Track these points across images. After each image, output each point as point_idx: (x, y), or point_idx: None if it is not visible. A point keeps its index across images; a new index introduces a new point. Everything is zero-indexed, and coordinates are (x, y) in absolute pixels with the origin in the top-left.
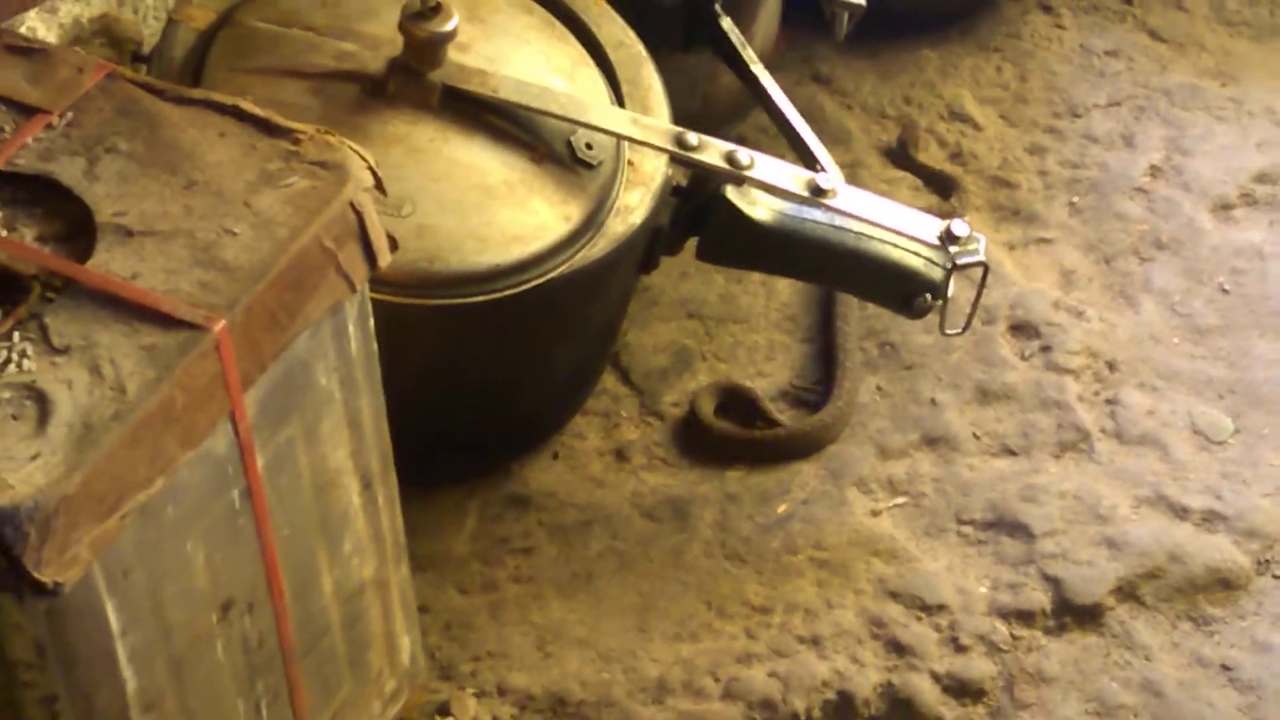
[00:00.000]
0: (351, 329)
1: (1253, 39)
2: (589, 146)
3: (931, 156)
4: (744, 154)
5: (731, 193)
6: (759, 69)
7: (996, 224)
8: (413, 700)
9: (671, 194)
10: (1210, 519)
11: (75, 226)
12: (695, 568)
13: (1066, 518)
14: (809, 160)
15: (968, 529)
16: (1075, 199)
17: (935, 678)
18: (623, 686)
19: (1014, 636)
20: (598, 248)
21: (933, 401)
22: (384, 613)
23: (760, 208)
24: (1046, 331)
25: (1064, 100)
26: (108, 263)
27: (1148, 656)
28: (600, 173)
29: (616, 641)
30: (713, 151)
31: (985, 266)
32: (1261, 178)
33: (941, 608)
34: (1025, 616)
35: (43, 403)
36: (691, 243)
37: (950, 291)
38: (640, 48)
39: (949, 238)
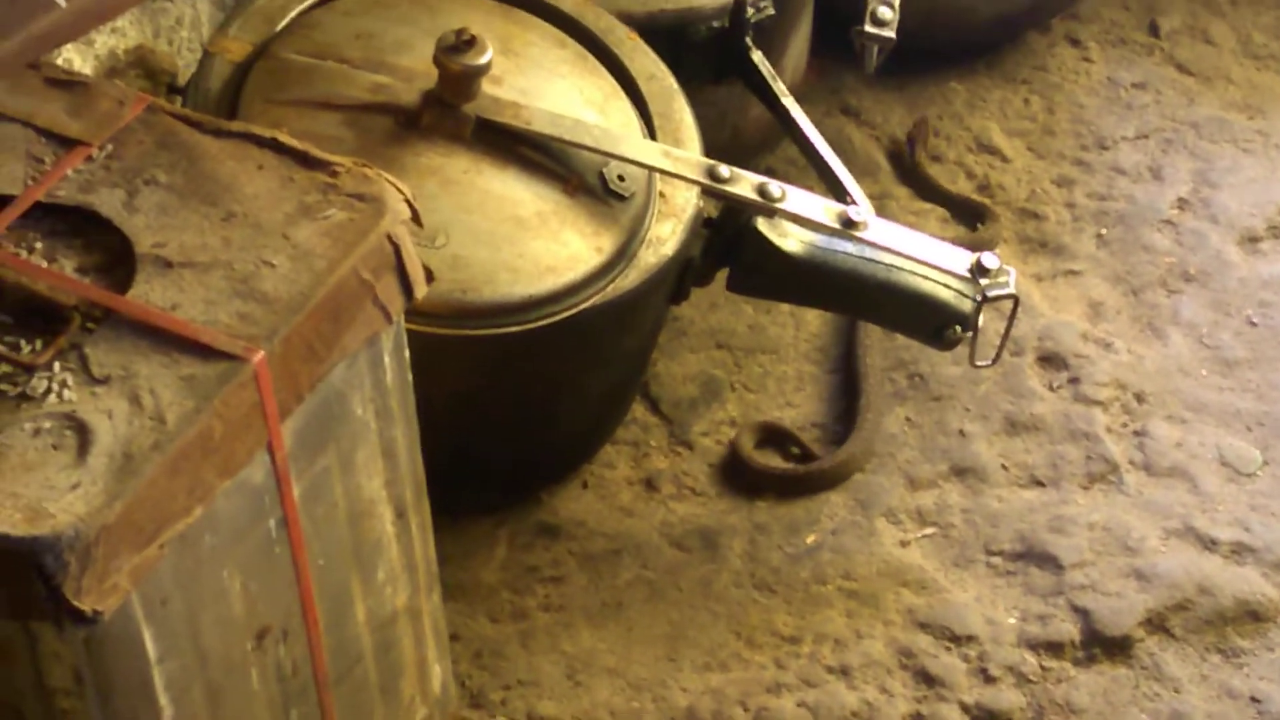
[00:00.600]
0: (387, 359)
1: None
2: (621, 178)
3: (958, 187)
4: (775, 186)
5: (762, 224)
6: (789, 101)
7: (1024, 256)
8: None
9: (703, 225)
10: (1239, 551)
11: (115, 257)
12: (724, 597)
13: (1095, 549)
14: (839, 192)
15: (996, 560)
16: (1103, 231)
17: (964, 708)
18: (652, 716)
19: (1043, 668)
20: (629, 279)
21: (961, 432)
22: (416, 641)
23: (791, 239)
24: (1075, 363)
25: (1091, 133)
26: (147, 294)
27: (1177, 688)
28: (632, 204)
29: (646, 671)
30: (744, 184)
31: (1015, 299)
32: None
33: (971, 638)
34: (1054, 648)
35: (83, 432)
36: (721, 274)
37: (980, 323)
38: (671, 80)
39: (979, 270)
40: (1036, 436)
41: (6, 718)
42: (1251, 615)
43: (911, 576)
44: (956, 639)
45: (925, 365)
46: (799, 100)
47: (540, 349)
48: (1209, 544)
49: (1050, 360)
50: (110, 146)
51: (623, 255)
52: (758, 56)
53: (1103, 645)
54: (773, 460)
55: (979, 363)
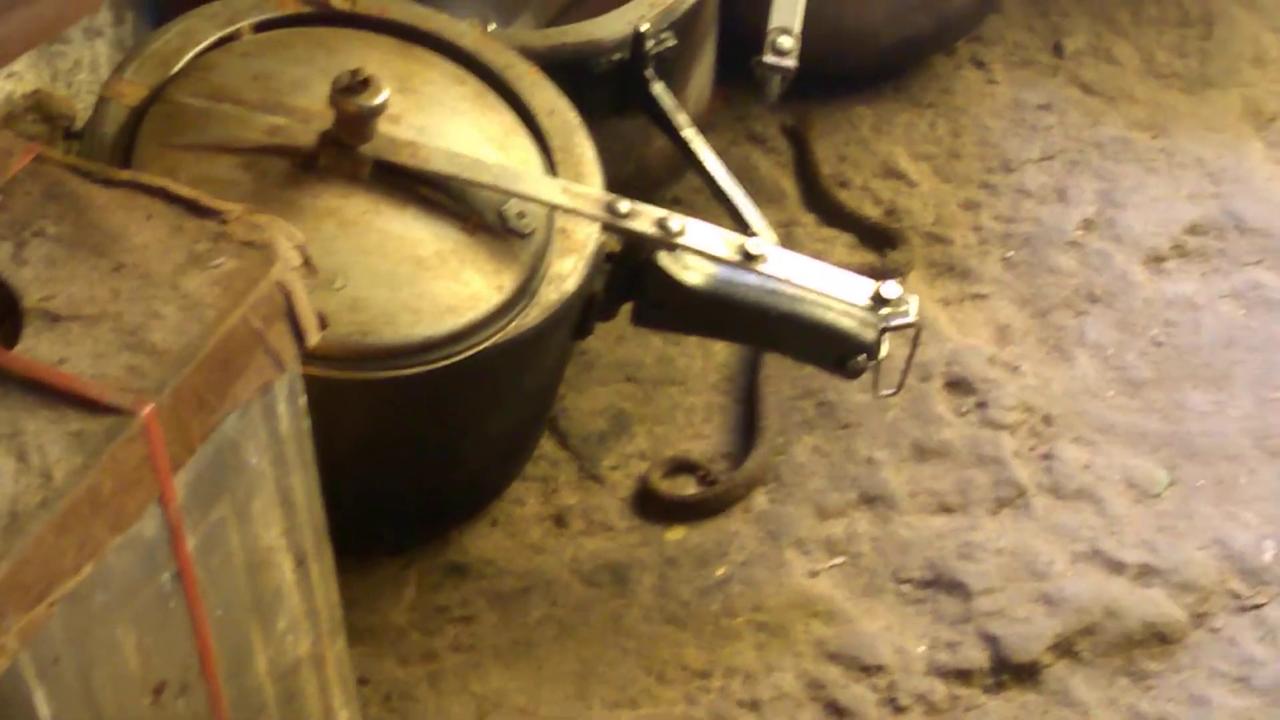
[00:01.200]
0: (282, 407)
1: (1183, 90)
2: (521, 215)
3: (865, 212)
4: (675, 220)
5: (664, 258)
6: (691, 133)
7: (931, 280)
8: None
9: (604, 260)
10: (1146, 573)
11: (2, 312)
12: (635, 633)
13: (1004, 575)
14: (742, 224)
15: (906, 588)
16: (1009, 254)
17: None
18: None
19: (953, 696)
20: (531, 316)
21: (870, 460)
22: (321, 689)
23: (693, 272)
24: (982, 387)
25: (997, 155)
26: (34, 348)
27: (1085, 713)
28: (533, 241)
29: (557, 709)
30: (644, 219)
31: (918, 327)
32: (1193, 229)
33: (880, 668)
34: (963, 675)
35: None
36: (627, 307)
37: (884, 351)
38: (572, 115)
39: (880, 300)
40: (944, 462)
41: None
42: (1159, 638)
43: (821, 607)
44: (866, 669)
45: (833, 393)
46: (705, 129)
47: (442, 389)
48: (1116, 567)
49: (958, 385)
50: None
51: (524, 293)
52: (659, 88)
53: (1011, 671)
54: (686, 489)
55: (884, 391)
